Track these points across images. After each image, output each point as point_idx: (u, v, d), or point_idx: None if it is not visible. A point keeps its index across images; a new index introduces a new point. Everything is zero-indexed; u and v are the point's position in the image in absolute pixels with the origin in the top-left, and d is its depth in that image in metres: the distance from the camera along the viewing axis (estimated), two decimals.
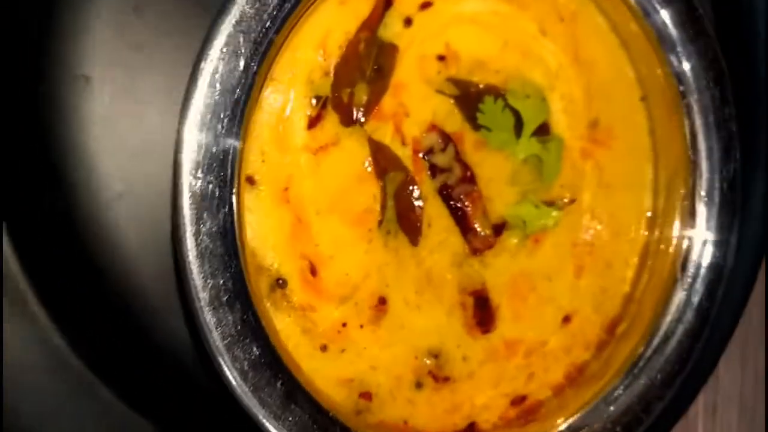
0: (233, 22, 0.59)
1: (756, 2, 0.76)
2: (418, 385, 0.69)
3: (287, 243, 0.65)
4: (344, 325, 0.67)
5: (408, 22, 0.67)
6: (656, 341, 0.70)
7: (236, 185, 0.60)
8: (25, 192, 0.69)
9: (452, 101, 0.68)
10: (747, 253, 0.73)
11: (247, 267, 0.60)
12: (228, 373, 0.59)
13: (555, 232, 0.71)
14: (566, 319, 0.72)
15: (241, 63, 0.60)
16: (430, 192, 0.68)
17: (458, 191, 0.68)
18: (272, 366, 0.60)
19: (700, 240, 0.70)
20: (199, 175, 0.58)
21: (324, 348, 0.67)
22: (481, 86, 0.68)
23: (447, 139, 0.68)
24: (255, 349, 0.60)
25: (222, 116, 0.60)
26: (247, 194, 0.64)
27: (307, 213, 0.66)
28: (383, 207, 0.67)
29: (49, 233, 0.70)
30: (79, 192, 0.70)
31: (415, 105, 0.68)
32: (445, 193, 0.68)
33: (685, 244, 0.71)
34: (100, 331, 0.70)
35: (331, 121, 0.66)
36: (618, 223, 0.73)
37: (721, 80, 0.69)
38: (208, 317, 0.58)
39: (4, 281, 0.67)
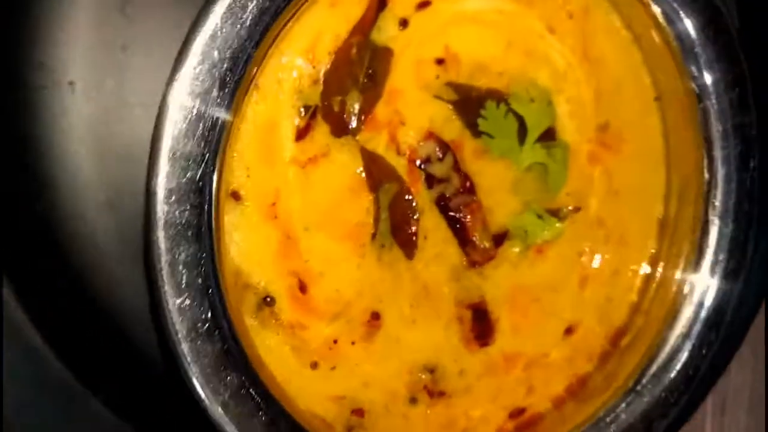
0: (208, 36, 0.55)
1: None
2: (413, 401, 0.67)
3: (275, 260, 0.62)
4: (335, 341, 0.65)
5: (404, 23, 0.63)
6: (662, 357, 0.67)
7: (214, 210, 0.56)
8: (10, 201, 0.67)
9: (450, 107, 0.64)
10: (762, 265, 0.69)
11: (228, 293, 0.58)
12: (208, 404, 0.57)
13: (559, 241, 0.68)
14: (569, 331, 0.69)
15: (221, 74, 0.57)
16: (426, 203, 0.65)
17: (456, 202, 0.65)
18: (254, 396, 0.58)
19: (712, 250, 0.67)
20: (173, 200, 0.55)
21: (314, 365, 0.64)
22: (482, 90, 0.64)
23: (445, 147, 0.64)
24: (236, 379, 0.57)
25: (202, 129, 0.57)
26: (232, 211, 0.61)
27: (296, 229, 0.63)
28: (377, 220, 0.64)
29: (33, 241, 0.68)
30: (64, 199, 0.67)
31: (411, 112, 0.64)
32: (443, 204, 0.65)
33: (696, 253, 0.67)
34: (87, 341, 0.68)
35: (321, 131, 0.62)
36: (627, 230, 0.69)
37: (741, 84, 0.65)
38: (186, 349, 0.56)
39: None
